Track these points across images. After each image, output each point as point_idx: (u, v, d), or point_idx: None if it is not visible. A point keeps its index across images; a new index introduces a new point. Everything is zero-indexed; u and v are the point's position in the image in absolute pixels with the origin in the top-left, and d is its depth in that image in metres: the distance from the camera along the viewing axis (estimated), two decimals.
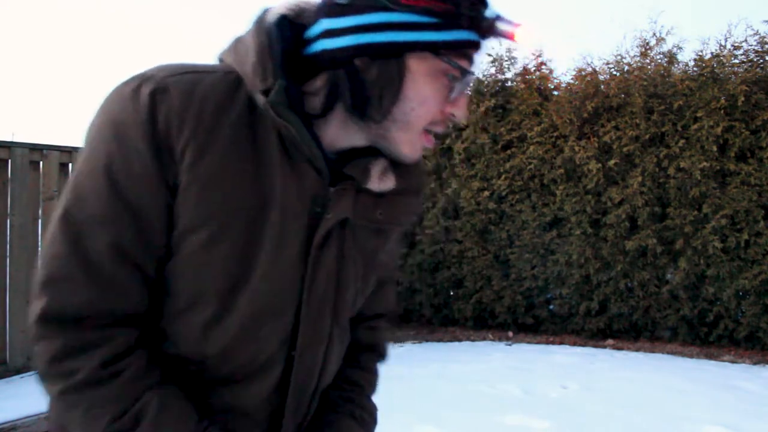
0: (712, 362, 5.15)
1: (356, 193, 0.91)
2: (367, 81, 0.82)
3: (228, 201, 0.80)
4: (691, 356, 5.34)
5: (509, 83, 6.34)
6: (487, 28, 0.82)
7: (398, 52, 0.80)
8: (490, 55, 6.40)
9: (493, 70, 6.38)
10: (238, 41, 0.87)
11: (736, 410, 3.77)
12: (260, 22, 0.86)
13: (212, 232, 0.80)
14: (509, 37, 0.82)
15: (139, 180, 0.78)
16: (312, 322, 0.90)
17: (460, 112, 0.86)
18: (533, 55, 6.30)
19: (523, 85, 6.17)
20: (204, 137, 0.78)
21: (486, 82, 6.36)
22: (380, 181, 0.92)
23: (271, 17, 0.86)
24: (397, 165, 0.93)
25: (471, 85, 0.85)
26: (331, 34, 0.82)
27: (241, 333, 0.85)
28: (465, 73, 0.83)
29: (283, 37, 0.84)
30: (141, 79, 0.80)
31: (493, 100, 6.16)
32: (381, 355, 1.18)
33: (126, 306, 0.80)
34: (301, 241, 0.86)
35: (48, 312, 0.77)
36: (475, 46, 0.84)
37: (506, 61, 6.36)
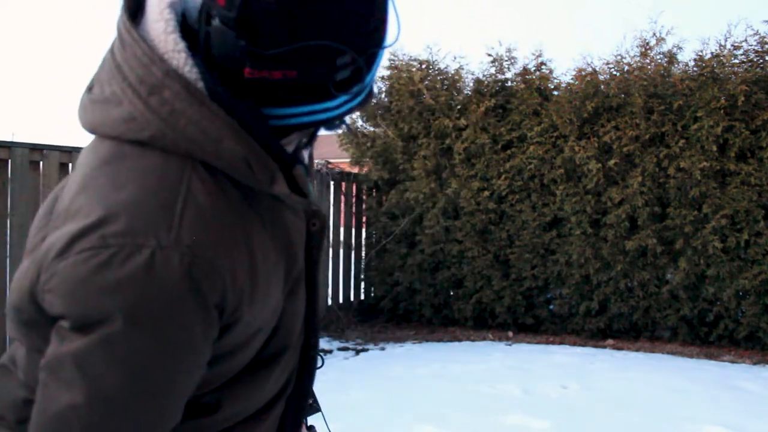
0: (712, 362, 5.15)
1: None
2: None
3: (272, 294, 0.77)
4: (691, 356, 5.34)
5: (509, 83, 6.34)
6: None
7: None
8: (490, 55, 6.40)
9: (493, 70, 6.39)
10: (172, 115, 0.68)
11: (736, 410, 3.77)
12: (194, 91, 0.70)
13: (259, 331, 0.78)
14: None
15: (191, 371, 0.70)
16: (316, 334, 0.92)
17: None
18: (533, 55, 6.31)
19: (523, 85, 6.17)
20: (245, 265, 0.70)
21: (486, 82, 6.36)
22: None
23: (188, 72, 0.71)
24: None
25: None
26: (288, 117, 0.79)
27: (282, 370, 0.86)
28: None
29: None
30: (147, 248, 0.64)
31: (493, 100, 6.16)
32: None
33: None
34: (304, 264, 0.86)
35: None
36: None
37: (506, 61, 6.36)
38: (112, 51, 0.73)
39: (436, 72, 6.60)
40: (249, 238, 0.72)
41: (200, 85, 0.70)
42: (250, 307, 0.71)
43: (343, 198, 6.74)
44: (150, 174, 0.68)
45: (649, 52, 5.83)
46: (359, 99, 0.79)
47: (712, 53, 5.58)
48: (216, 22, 0.69)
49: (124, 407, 0.65)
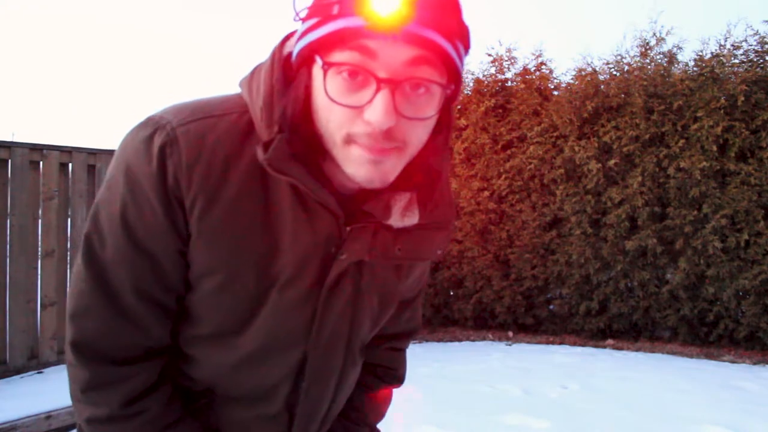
0: (712, 362, 5.15)
1: (375, 229, 0.86)
2: (291, 101, 0.79)
3: (236, 250, 0.82)
4: (691, 356, 5.34)
5: (509, 83, 6.35)
6: (363, 7, 0.69)
7: (304, 64, 0.77)
8: (490, 54, 6.41)
9: (493, 70, 6.39)
10: (255, 74, 0.84)
11: (736, 410, 3.77)
12: (275, 54, 0.83)
13: (222, 279, 0.83)
14: (396, 14, 0.69)
15: (151, 229, 0.80)
16: (320, 357, 0.91)
17: (372, 115, 0.71)
18: (533, 55, 6.32)
19: (523, 85, 6.17)
20: (211, 191, 0.79)
21: (486, 82, 6.37)
22: (403, 216, 0.85)
23: (287, 49, 0.82)
24: (423, 199, 0.86)
25: (381, 81, 0.71)
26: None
27: (246, 365, 0.89)
28: (352, 68, 0.71)
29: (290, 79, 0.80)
30: (155, 126, 0.81)
31: (493, 100, 6.16)
32: (398, 380, 1.17)
33: (149, 341, 0.85)
34: (314, 281, 0.86)
35: (77, 342, 0.83)
36: (358, 33, 0.70)
37: (506, 61, 6.36)
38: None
39: None
40: (225, 181, 0.80)
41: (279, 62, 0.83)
42: (201, 228, 0.80)
43: None
44: (222, 100, 0.86)
45: (649, 52, 5.83)
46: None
47: (712, 53, 5.58)
48: None
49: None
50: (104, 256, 0.82)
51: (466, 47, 0.77)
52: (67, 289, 0.88)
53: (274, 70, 0.80)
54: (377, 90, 0.71)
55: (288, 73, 0.80)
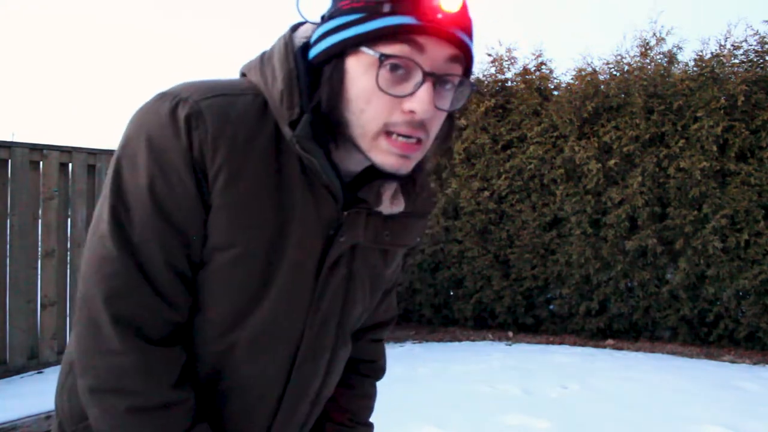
0: (712, 362, 5.15)
1: (367, 215, 0.93)
2: (326, 88, 0.82)
3: (253, 225, 0.83)
4: (691, 356, 5.34)
5: (509, 83, 6.35)
6: (418, 7, 0.76)
7: (336, 55, 0.81)
8: (489, 54, 6.41)
9: (493, 70, 6.39)
10: (265, 61, 0.87)
11: (736, 410, 3.77)
12: (287, 43, 0.86)
13: (238, 253, 0.83)
14: (448, 13, 0.77)
15: (182, 201, 0.81)
16: (314, 335, 0.93)
17: (417, 105, 0.78)
18: (533, 55, 6.31)
19: (523, 85, 6.17)
20: (236, 164, 0.81)
21: (486, 82, 6.37)
22: (391, 204, 0.93)
23: (298, 39, 0.87)
24: (406, 187, 0.94)
25: (427, 74, 0.78)
26: (314, 44, 0.85)
27: (253, 346, 0.89)
28: (403, 60, 0.77)
29: (308, 66, 0.85)
30: (176, 99, 0.81)
31: (493, 100, 6.16)
32: (381, 371, 1.23)
33: (179, 317, 0.85)
34: (315, 261, 0.89)
35: (121, 324, 0.80)
36: (410, 30, 0.76)
37: (506, 61, 6.36)
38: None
39: None
40: (246, 156, 0.82)
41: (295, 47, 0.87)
42: (222, 201, 0.81)
43: None
44: (233, 81, 0.88)
45: (649, 52, 5.83)
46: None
47: (712, 53, 5.58)
48: None
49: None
50: (134, 232, 0.80)
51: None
52: (85, 270, 0.83)
53: (290, 58, 0.85)
54: (423, 82, 0.78)
55: (306, 60, 0.85)
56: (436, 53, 0.78)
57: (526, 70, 6.26)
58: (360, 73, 0.79)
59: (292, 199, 0.85)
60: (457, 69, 0.81)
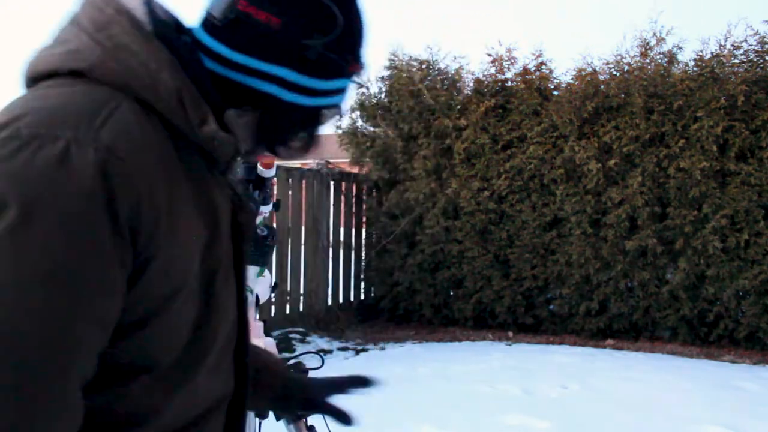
0: (712, 362, 5.15)
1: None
2: (293, 127, 0.81)
3: (193, 252, 0.71)
4: (691, 356, 5.33)
5: (509, 83, 6.34)
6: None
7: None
8: (489, 54, 6.40)
9: (493, 70, 6.39)
10: (114, 48, 0.69)
11: (736, 410, 3.77)
12: (138, 25, 0.71)
13: (190, 289, 0.71)
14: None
15: (99, 282, 0.60)
16: (244, 330, 0.88)
17: None
18: (533, 55, 6.31)
19: (523, 85, 6.17)
20: (168, 197, 0.66)
21: (486, 82, 6.36)
22: None
23: (164, 19, 0.74)
24: None
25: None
26: (243, 70, 0.76)
27: (215, 368, 0.79)
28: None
29: (194, 54, 0.75)
30: (59, 141, 0.60)
31: (493, 100, 6.16)
32: None
33: None
34: (230, 250, 0.81)
35: None
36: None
37: (506, 61, 6.36)
38: (72, 12, 0.74)
39: (436, 72, 6.60)
40: (172, 181, 0.67)
41: (149, 26, 0.72)
42: (168, 243, 0.66)
43: (343, 198, 6.74)
44: (79, 92, 0.66)
45: (649, 52, 5.83)
46: (327, 101, 0.81)
47: (712, 53, 5.58)
48: None
49: (12, 319, 0.56)
50: (32, 348, 0.57)
51: None
52: None
53: (156, 43, 0.71)
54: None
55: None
56: None
57: (526, 70, 6.26)
58: None
59: (212, 197, 0.76)
60: None
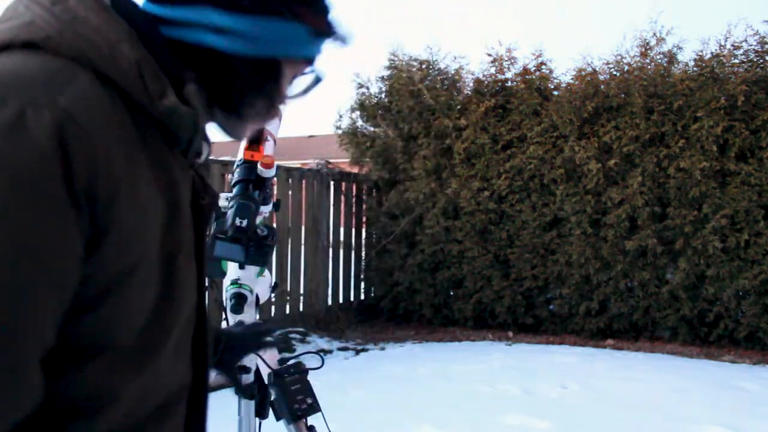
0: (712, 362, 5.15)
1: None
2: (248, 84, 0.78)
3: (151, 228, 0.69)
4: (691, 356, 5.34)
5: (509, 83, 6.35)
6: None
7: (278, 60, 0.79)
8: (489, 55, 6.41)
9: (493, 70, 6.39)
10: (71, 21, 0.67)
11: (736, 410, 3.77)
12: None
13: (146, 267, 0.69)
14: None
15: (57, 248, 0.60)
16: (206, 318, 0.86)
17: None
18: (533, 55, 6.31)
19: (523, 85, 6.17)
20: (126, 167, 0.65)
21: (486, 82, 6.37)
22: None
23: None
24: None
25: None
26: (219, 31, 0.74)
27: (173, 355, 0.78)
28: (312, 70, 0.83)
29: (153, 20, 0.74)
30: (15, 104, 0.59)
31: (493, 100, 6.16)
32: None
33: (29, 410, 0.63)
34: (192, 233, 0.80)
35: None
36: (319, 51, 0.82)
37: (506, 61, 6.36)
38: None
39: (436, 72, 6.60)
40: (130, 155, 0.66)
41: None
42: (125, 216, 0.65)
43: (343, 198, 6.74)
44: (34, 62, 0.64)
45: (649, 52, 5.83)
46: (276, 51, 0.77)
47: (712, 53, 5.59)
48: None
49: None
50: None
51: None
52: None
53: (115, 15, 0.70)
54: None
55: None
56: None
57: (526, 70, 6.26)
58: (288, 76, 0.82)
59: (172, 176, 0.74)
60: None
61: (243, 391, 1.42)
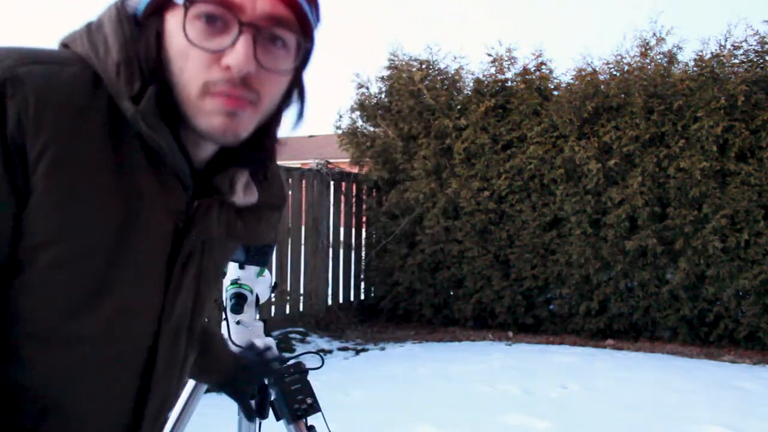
0: (712, 362, 5.15)
1: (219, 206, 0.83)
2: (142, 48, 0.73)
3: (84, 218, 0.69)
4: (691, 356, 5.34)
5: (509, 83, 6.35)
6: None
7: (154, 12, 0.74)
8: (489, 55, 6.41)
9: (493, 70, 6.39)
10: (93, 30, 0.74)
11: (736, 410, 3.77)
12: (119, 9, 0.75)
13: (63, 251, 0.69)
14: None
15: None
16: (169, 344, 0.83)
17: (232, 59, 0.69)
18: (533, 55, 6.31)
19: (523, 85, 6.17)
20: (65, 141, 0.67)
21: (486, 82, 6.37)
22: (245, 194, 0.84)
23: (131, 6, 0.75)
24: (257, 178, 0.86)
25: (243, 24, 0.70)
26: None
27: (89, 372, 0.75)
28: (214, 8, 0.70)
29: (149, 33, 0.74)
30: None
31: (493, 100, 6.17)
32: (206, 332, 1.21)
33: None
34: (163, 261, 0.78)
35: None
36: None
37: (506, 61, 6.36)
38: None
39: (436, 72, 6.60)
40: (86, 141, 0.69)
41: (134, 9, 0.76)
42: (53, 187, 0.67)
43: (343, 198, 6.74)
44: (50, 49, 0.74)
45: (649, 52, 5.83)
46: None
47: (712, 53, 5.59)
48: None
49: None
50: None
51: (318, 15, 0.78)
52: None
53: (125, 24, 0.73)
54: (240, 33, 0.70)
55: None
56: (254, 7, 0.70)
57: (526, 70, 6.26)
58: (177, 28, 0.71)
59: (137, 189, 0.73)
60: (289, 24, 0.73)
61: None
